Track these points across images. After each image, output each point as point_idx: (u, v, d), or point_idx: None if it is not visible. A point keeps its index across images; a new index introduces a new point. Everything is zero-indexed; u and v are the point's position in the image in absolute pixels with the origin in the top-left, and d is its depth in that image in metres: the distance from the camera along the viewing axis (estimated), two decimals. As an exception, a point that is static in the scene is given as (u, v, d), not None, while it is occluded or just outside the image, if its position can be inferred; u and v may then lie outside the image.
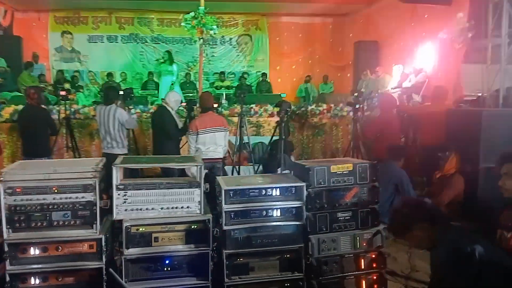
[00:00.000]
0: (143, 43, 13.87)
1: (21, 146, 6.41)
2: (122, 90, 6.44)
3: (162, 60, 11.49)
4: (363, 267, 3.28)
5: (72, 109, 7.35)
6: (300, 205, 3.18)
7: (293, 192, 3.20)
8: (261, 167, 6.21)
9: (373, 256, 3.31)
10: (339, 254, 3.23)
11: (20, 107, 6.87)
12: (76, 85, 11.86)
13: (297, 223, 3.19)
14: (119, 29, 13.73)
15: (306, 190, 3.17)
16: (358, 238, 3.26)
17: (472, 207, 4.86)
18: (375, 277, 3.31)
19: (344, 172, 3.24)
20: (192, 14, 8.10)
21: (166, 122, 5.65)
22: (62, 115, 6.66)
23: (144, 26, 13.86)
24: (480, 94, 6.27)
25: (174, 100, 5.80)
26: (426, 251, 2.73)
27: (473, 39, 7.33)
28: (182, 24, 8.43)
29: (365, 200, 3.29)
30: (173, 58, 11.37)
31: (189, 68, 13.64)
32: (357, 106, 6.76)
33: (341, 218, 3.25)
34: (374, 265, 3.31)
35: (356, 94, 6.87)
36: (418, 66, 8.76)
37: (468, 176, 5.02)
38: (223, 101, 9.85)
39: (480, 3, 6.81)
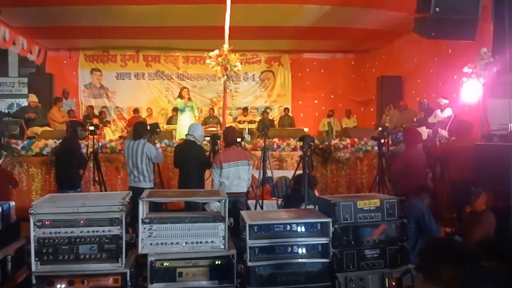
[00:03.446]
0: (168, 79, 14.25)
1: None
2: (149, 125, 6.55)
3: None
4: (392, 307, 3.17)
5: (100, 144, 7.53)
6: (326, 241, 3.13)
7: (319, 228, 3.16)
8: (284, 201, 6.15)
9: (403, 296, 3.20)
10: (367, 293, 3.14)
11: (50, 141, 7.09)
12: (104, 120, 12.18)
13: (323, 260, 3.13)
14: (146, 67, 14.16)
15: (332, 226, 3.12)
16: (387, 277, 3.17)
17: (504, 245, 4.67)
18: (405, 318, 3.18)
19: (371, 208, 3.20)
20: (216, 51, 8.27)
21: (200, 154, 5.74)
22: (90, 149, 6.82)
23: (170, 63, 14.27)
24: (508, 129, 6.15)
25: (201, 133, 5.90)
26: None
27: (498, 73, 7.27)
28: (207, 61, 8.59)
29: (393, 237, 3.22)
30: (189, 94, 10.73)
31: (213, 104, 13.86)
32: (382, 140, 6.70)
33: (369, 255, 3.18)
34: (404, 305, 3.19)
35: (380, 128, 6.82)
36: (443, 101, 8.67)
37: (499, 213, 4.85)
38: (246, 135, 9.88)
39: (503, 38, 6.79)
